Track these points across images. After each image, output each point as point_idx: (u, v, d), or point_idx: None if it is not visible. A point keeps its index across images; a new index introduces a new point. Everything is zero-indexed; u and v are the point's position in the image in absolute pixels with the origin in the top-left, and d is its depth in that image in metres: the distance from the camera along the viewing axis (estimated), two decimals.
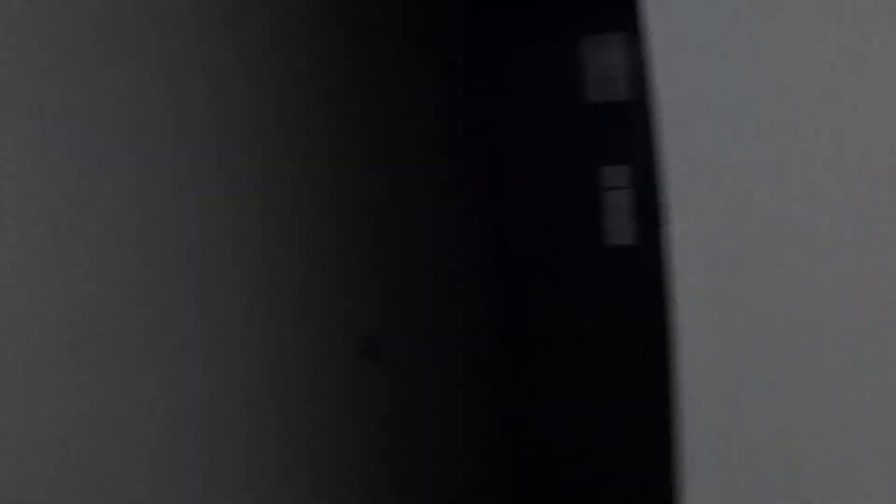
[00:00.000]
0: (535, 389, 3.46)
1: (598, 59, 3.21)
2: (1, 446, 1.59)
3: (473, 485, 3.26)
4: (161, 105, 1.99)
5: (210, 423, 2.10)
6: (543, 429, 3.45)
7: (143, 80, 1.95)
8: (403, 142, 2.95)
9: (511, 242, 3.48)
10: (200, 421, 2.07)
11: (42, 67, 1.72)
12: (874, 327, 0.98)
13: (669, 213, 1.07)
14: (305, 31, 2.52)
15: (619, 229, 3.21)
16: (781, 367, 1.05)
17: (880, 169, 0.98)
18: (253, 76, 2.29)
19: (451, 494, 3.09)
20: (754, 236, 1.05)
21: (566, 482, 3.40)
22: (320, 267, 2.53)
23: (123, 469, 1.85)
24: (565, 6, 3.26)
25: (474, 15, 3.39)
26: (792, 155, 1.03)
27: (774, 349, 1.05)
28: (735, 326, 1.06)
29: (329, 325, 2.55)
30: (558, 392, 3.42)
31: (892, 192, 0.97)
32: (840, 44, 0.98)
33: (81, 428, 1.76)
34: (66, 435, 1.73)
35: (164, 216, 1.99)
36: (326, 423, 2.52)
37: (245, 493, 2.20)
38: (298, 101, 2.46)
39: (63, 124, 1.77)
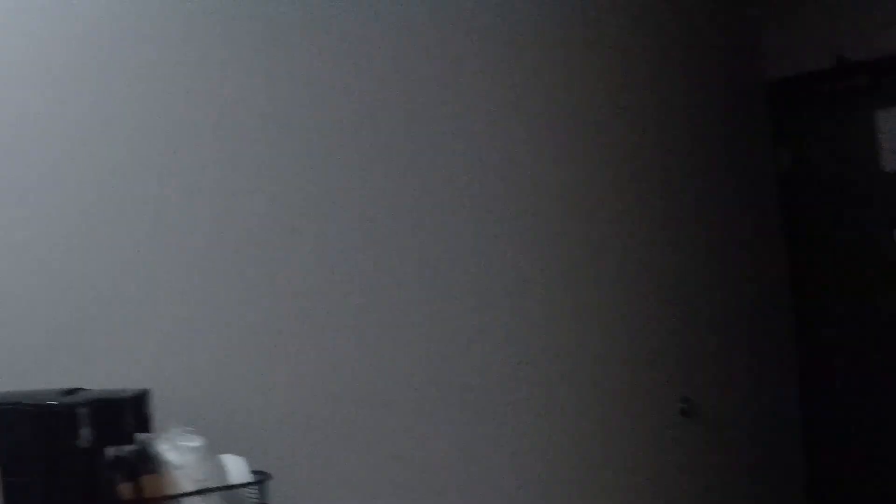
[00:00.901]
0: (837, 443, 3.52)
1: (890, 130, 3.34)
2: None
3: None
4: None
5: (554, 476, 2.42)
6: (844, 485, 3.51)
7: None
8: (711, 216, 3.23)
9: (812, 303, 3.60)
10: (547, 475, 2.39)
11: None
12: None
13: None
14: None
15: None
16: None
17: None
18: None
19: None
20: None
21: None
22: (652, 333, 2.82)
23: None
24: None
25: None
26: None
27: None
28: None
29: (655, 387, 2.82)
30: (860, 446, 3.47)
31: None
32: None
33: None
34: None
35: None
36: (653, 476, 2.78)
37: None
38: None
39: None
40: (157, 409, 1.64)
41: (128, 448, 1.52)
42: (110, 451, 1.50)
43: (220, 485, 1.59)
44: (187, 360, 1.90)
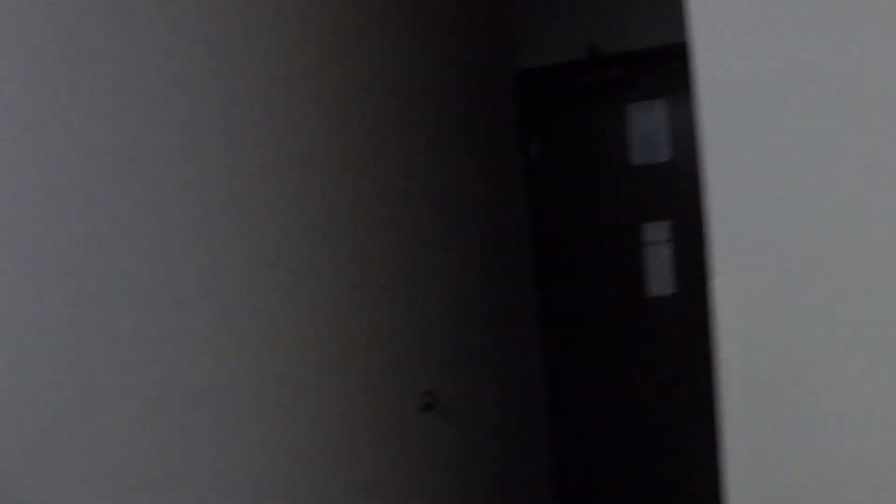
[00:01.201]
0: (581, 431, 3.60)
1: (640, 124, 3.40)
2: None
3: None
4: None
5: (286, 473, 2.23)
6: (588, 470, 3.60)
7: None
8: (460, 202, 3.13)
9: (558, 296, 3.64)
10: (279, 469, 2.20)
11: None
12: None
13: (714, 266, 1.21)
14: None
15: (661, 281, 3.37)
16: (823, 414, 1.17)
17: None
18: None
19: None
20: (795, 288, 1.18)
21: None
22: (389, 326, 2.69)
23: None
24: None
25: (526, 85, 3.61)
26: (833, 208, 1.16)
27: (815, 400, 1.18)
28: (774, 378, 1.19)
29: (395, 380, 2.69)
30: (602, 433, 3.56)
31: None
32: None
33: None
34: None
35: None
36: (393, 471, 2.66)
37: None
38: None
39: None
40: None
41: None
42: None
43: None
44: None
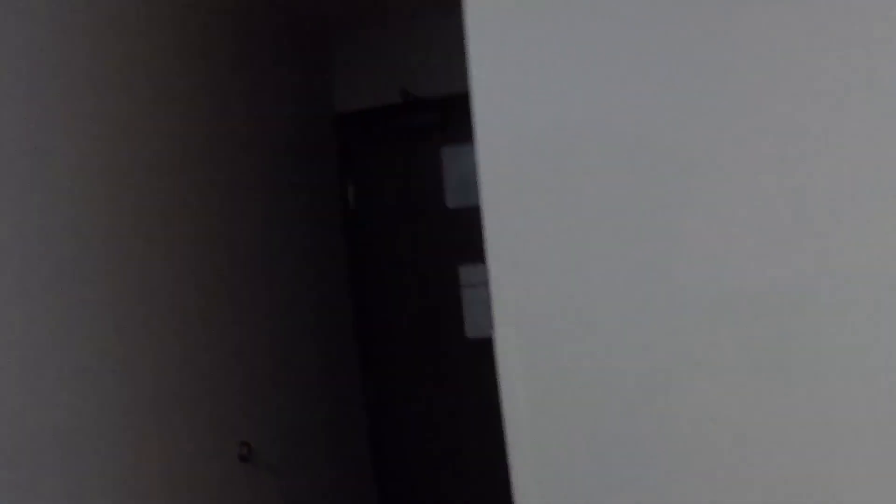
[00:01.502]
0: (405, 473, 3.56)
1: (453, 168, 3.44)
2: None
3: None
4: None
5: None
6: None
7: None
8: (277, 250, 3.05)
9: (378, 339, 3.61)
10: None
11: None
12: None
13: (494, 318, 1.22)
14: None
15: (478, 323, 3.40)
16: (598, 450, 1.20)
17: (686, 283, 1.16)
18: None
19: None
20: (571, 341, 1.21)
21: None
22: (205, 375, 2.56)
23: None
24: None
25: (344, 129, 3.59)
26: (608, 263, 1.20)
27: (590, 434, 1.20)
28: (554, 418, 1.21)
29: (211, 431, 2.57)
30: (426, 472, 3.54)
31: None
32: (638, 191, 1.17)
33: None
34: None
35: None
36: None
37: None
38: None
39: None
40: None
41: None
42: None
43: None
44: None
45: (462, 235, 3.43)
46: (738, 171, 1.17)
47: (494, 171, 1.21)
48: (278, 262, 3.06)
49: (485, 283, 3.35)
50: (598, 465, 1.20)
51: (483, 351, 3.39)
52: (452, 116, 3.42)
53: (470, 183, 3.40)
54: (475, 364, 3.42)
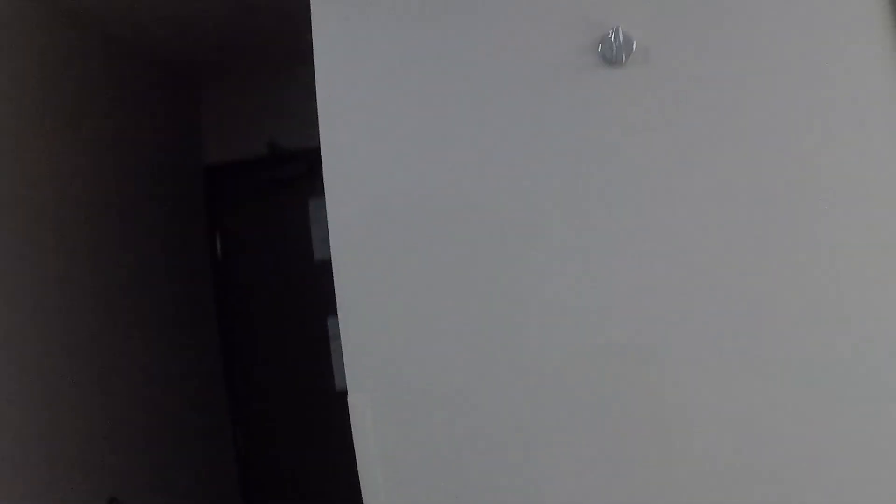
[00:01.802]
0: None
1: (320, 220, 3.43)
2: None
3: None
4: None
5: None
6: None
7: None
8: (145, 302, 2.96)
9: (248, 391, 3.53)
10: None
11: None
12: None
13: (346, 375, 1.22)
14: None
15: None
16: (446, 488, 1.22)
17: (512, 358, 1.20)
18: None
19: None
20: (419, 403, 1.22)
21: None
22: (70, 430, 2.44)
23: None
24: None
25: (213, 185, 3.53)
26: (455, 324, 1.22)
27: (444, 493, 1.21)
28: (406, 476, 1.21)
29: (78, 486, 2.45)
30: None
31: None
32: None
33: None
34: None
35: None
36: None
37: None
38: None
39: None
40: None
41: None
42: None
43: None
44: None
45: (330, 287, 3.41)
46: (580, 234, 1.23)
47: (343, 232, 1.23)
48: (146, 314, 2.96)
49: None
50: None
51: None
52: (319, 169, 3.43)
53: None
54: (345, 415, 3.39)
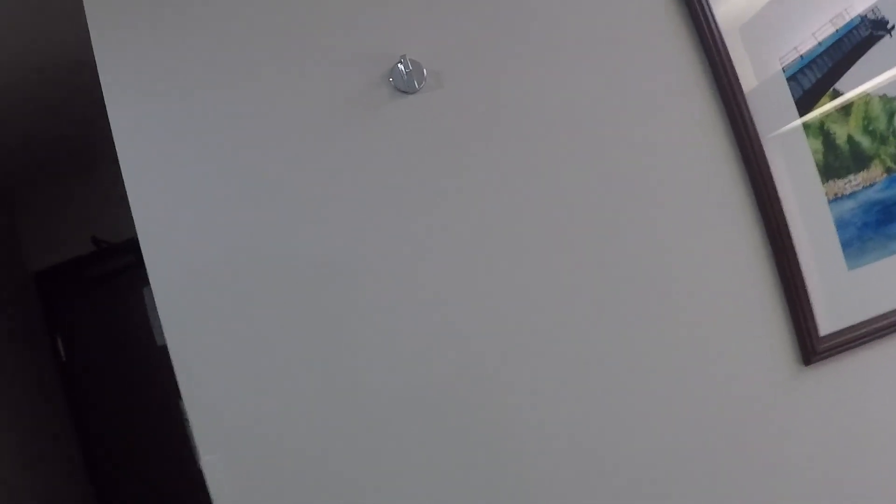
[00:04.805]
0: None
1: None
2: None
3: None
4: None
5: None
6: None
7: None
8: None
9: (107, 482, 3.37)
10: None
11: None
12: None
13: (198, 447, 1.22)
14: None
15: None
16: None
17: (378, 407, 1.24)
18: None
19: None
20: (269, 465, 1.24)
21: None
22: None
23: None
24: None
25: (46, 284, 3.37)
26: (293, 378, 1.24)
27: None
28: None
29: None
30: None
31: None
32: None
33: None
34: None
35: None
36: None
37: None
38: None
39: None
40: None
41: None
42: None
43: None
44: None
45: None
46: (398, 268, 1.30)
47: (172, 309, 1.24)
48: None
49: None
50: None
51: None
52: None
53: None
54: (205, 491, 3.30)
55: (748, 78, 1.51)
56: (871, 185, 1.56)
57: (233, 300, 1.25)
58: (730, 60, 1.49)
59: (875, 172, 1.57)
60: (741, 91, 1.49)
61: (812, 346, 1.47)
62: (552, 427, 1.33)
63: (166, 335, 1.24)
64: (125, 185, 1.27)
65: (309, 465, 1.23)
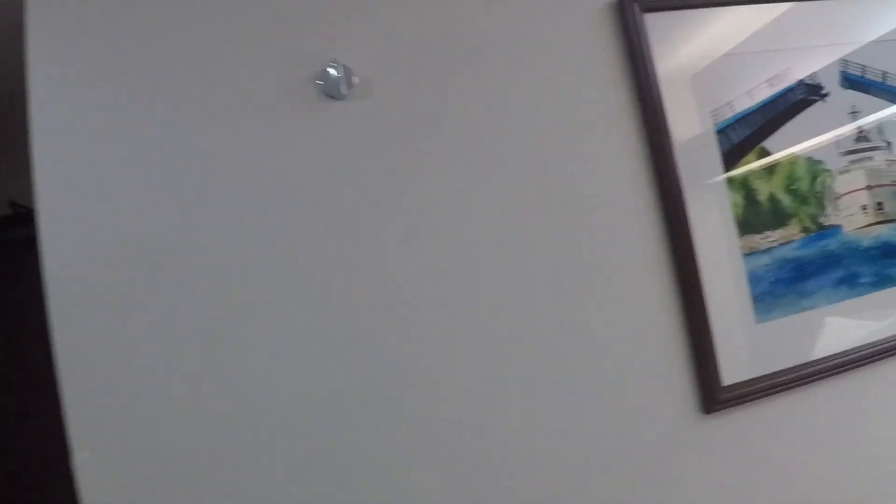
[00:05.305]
0: None
1: None
2: None
3: None
4: None
5: None
6: None
7: None
8: None
9: None
10: None
11: None
12: None
13: (73, 442, 1.16)
14: None
15: None
16: None
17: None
18: None
19: None
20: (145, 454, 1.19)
21: None
22: None
23: None
24: None
25: None
26: (182, 370, 1.20)
27: None
28: None
29: None
30: None
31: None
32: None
33: None
34: None
35: None
36: None
37: None
38: None
39: None
40: None
41: None
42: None
43: None
44: None
45: None
46: (305, 277, 1.26)
47: (60, 291, 1.18)
48: None
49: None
50: None
51: None
52: None
53: None
54: None
55: (679, 127, 1.52)
56: (787, 243, 1.59)
57: (125, 289, 1.19)
58: (662, 107, 1.49)
59: (793, 231, 1.60)
60: (669, 139, 1.49)
61: (714, 396, 1.49)
62: (449, 471, 1.31)
63: (52, 316, 1.18)
64: (33, 159, 1.21)
65: (186, 473, 1.19)
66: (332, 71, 1.30)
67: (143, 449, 1.17)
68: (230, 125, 1.27)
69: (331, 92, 1.30)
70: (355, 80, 1.32)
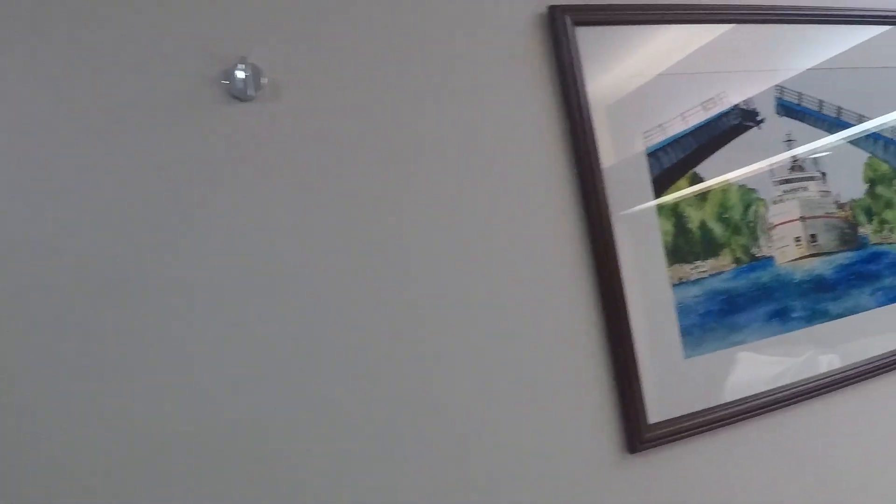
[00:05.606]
0: None
1: None
2: None
3: None
4: None
5: None
6: None
7: None
8: None
9: None
10: None
11: None
12: None
13: None
14: None
15: None
16: None
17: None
18: None
19: None
20: None
21: None
22: None
23: None
24: None
25: None
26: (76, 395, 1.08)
27: None
28: None
29: None
30: None
31: None
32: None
33: None
34: None
35: None
36: None
37: None
38: None
39: None
40: None
41: None
42: None
43: None
44: None
45: None
46: (187, 290, 1.15)
47: None
48: None
49: None
50: None
51: None
52: None
53: None
54: None
55: (608, 148, 1.43)
56: (718, 274, 1.52)
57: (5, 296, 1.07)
58: (591, 126, 1.40)
59: (724, 261, 1.53)
60: (598, 160, 1.40)
61: (639, 434, 1.40)
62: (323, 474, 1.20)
63: None
64: None
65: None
66: (239, 71, 1.20)
67: (11, 473, 1.03)
68: (121, 126, 1.16)
69: (236, 92, 1.21)
70: (264, 81, 1.23)
